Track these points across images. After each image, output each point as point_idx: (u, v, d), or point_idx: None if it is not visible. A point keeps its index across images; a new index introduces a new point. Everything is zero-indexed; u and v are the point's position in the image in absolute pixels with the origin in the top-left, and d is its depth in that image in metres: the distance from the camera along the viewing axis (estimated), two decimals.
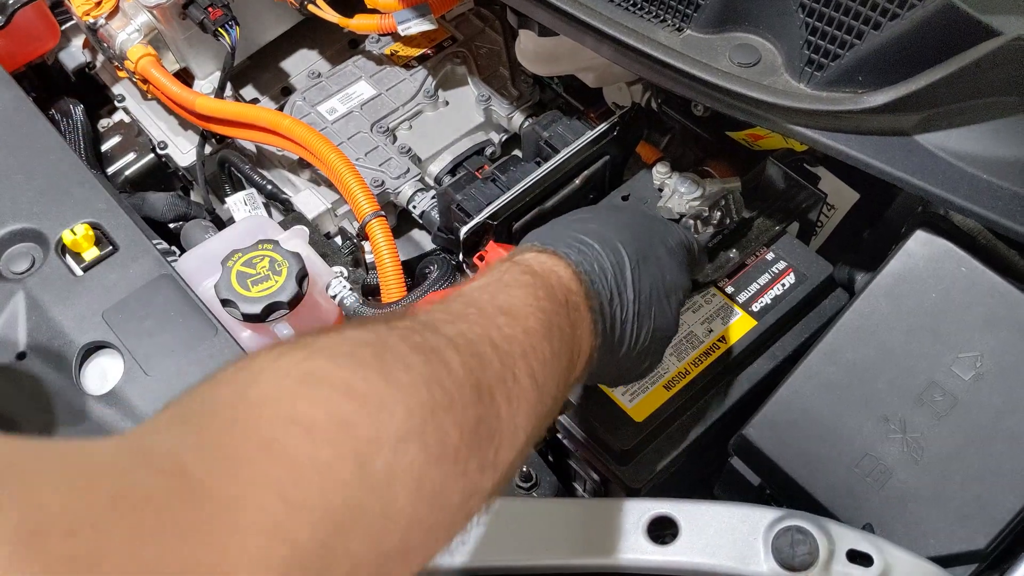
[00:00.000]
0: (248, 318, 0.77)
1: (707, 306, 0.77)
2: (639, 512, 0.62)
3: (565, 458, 0.79)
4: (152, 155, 1.13)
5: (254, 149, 1.06)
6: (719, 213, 0.79)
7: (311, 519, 0.35)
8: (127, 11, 1.05)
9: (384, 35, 1.07)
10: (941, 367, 0.64)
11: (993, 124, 0.62)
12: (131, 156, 1.14)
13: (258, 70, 1.14)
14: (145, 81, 1.04)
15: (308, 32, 1.15)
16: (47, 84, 1.15)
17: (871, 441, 0.64)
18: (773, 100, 0.63)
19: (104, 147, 1.15)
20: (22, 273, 0.80)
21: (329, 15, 1.00)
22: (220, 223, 1.05)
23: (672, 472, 0.72)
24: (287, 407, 0.38)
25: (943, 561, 0.60)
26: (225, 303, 0.77)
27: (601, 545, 0.62)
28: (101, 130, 1.16)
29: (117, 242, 0.81)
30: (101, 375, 0.76)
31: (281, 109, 1.04)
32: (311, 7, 1.00)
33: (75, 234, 0.79)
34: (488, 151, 1.02)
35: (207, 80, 1.09)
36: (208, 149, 1.07)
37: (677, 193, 0.80)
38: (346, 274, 0.89)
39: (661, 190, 0.83)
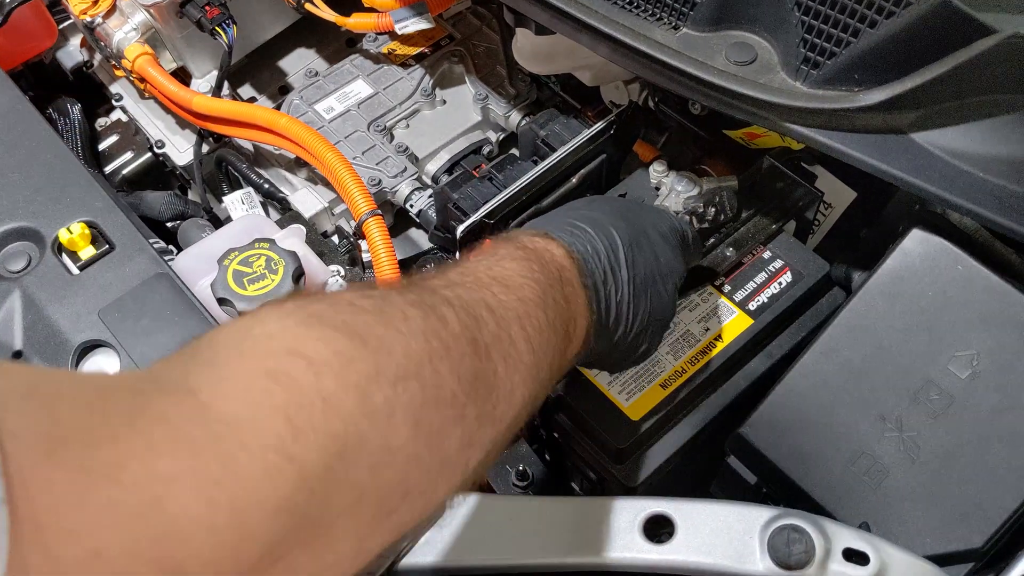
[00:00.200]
0: None
1: (703, 304, 0.77)
2: (635, 511, 0.62)
3: (562, 457, 0.79)
4: (149, 154, 1.13)
5: (251, 148, 1.05)
6: (715, 211, 0.79)
7: (316, 443, 0.36)
8: (124, 10, 1.05)
9: (381, 34, 1.07)
10: (937, 366, 0.64)
11: (989, 122, 0.62)
12: (128, 155, 1.14)
13: (255, 69, 1.14)
14: (142, 80, 1.04)
15: (305, 31, 1.15)
16: (44, 83, 1.15)
17: (867, 440, 0.64)
18: (769, 98, 0.63)
19: (101, 146, 1.15)
20: (18, 272, 0.80)
21: (326, 14, 0.99)
22: (217, 222, 1.05)
23: (668, 471, 0.72)
24: (291, 341, 0.39)
25: (940, 560, 0.60)
26: (221, 302, 0.77)
27: (597, 544, 0.62)
28: (98, 129, 1.16)
29: (113, 241, 0.81)
30: None
31: (278, 108, 1.04)
32: (308, 6, 1.00)
33: (71, 233, 0.79)
34: (485, 150, 1.02)
35: (204, 79, 1.09)
36: (205, 148, 1.06)
37: (674, 191, 0.80)
38: (343, 273, 0.89)
39: (658, 188, 0.83)
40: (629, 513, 0.62)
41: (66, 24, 1.15)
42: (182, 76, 1.08)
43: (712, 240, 0.79)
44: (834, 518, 0.62)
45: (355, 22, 0.99)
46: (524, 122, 1.00)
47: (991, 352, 0.63)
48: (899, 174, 0.61)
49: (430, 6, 0.97)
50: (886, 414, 0.64)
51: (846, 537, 0.58)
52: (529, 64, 0.96)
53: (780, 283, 0.77)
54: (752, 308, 0.76)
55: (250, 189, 1.00)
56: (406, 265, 0.92)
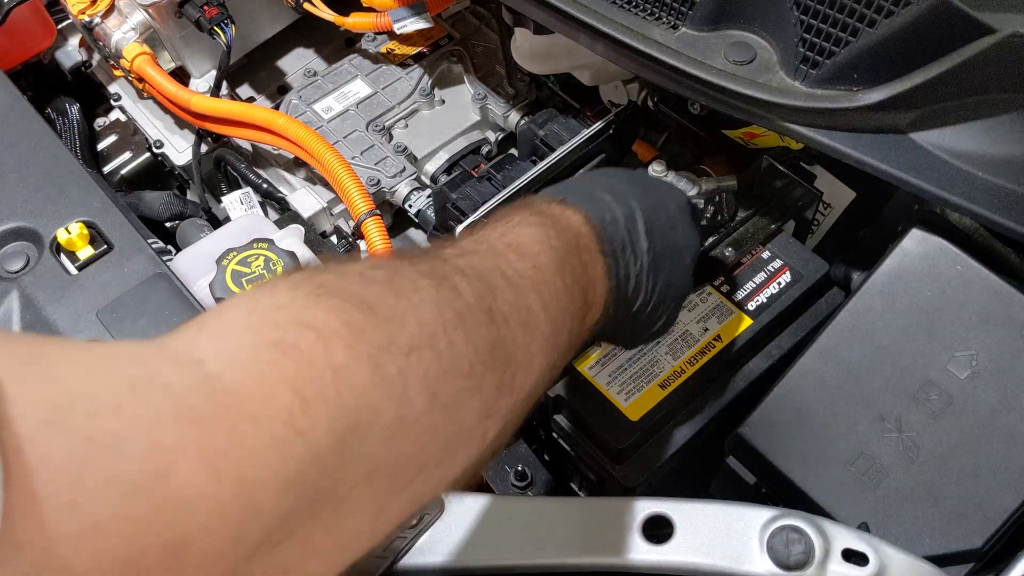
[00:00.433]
0: None
1: (703, 305, 0.77)
2: (634, 511, 0.62)
3: (561, 457, 0.79)
4: (148, 154, 1.13)
5: (250, 148, 1.05)
6: (714, 210, 0.79)
7: (327, 416, 0.35)
8: (123, 10, 1.05)
9: (380, 33, 1.07)
10: (937, 366, 0.64)
11: (989, 121, 0.62)
12: (127, 155, 1.14)
13: (254, 69, 1.14)
14: (141, 80, 1.04)
15: (304, 31, 1.15)
16: (43, 83, 1.15)
17: (867, 440, 0.64)
18: (768, 98, 0.63)
19: (100, 146, 1.15)
20: (16, 272, 0.80)
21: (325, 13, 0.99)
22: (216, 222, 1.05)
23: (668, 471, 0.72)
24: (299, 312, 0.38)
25: (939, 560, 0.59)
26: (220, 302, 0.77)
27: (596, 544, 0.61)
28: (97, 129, 1.16)
29: (112, 241, 0.81)
30: None
31: (277, 108, 1.04)
32: (307, 5, 1.00)
33: (70, 233, 0.79)
34: (484, 150, 1.02)
35: (203, 79, 1.09)
36: (204, 148, 1.06)
37: None
38: None
39: None
40: (628, 514, 0.62)
41: (65, 24, 1.15)
42: (181, 76, 1.08)
43: (711, 240, 0.79)
44: (833, 518, 0.62)
45: (354, 22, 0.99)
46: (523, 122, 1.00)
47: (990, 352, 0.63)
48: (898, 174, 0.61)
49: (429, 6, 0.97)
50: (885, 414, 0.64)
51: (845, 537, 0.58)
52: (528, 64, 0.95)
53: (779, 283, 0.77)
54: (751, 308, 0.76)
55: (249, 189, 1.00)
56: None
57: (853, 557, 0.57)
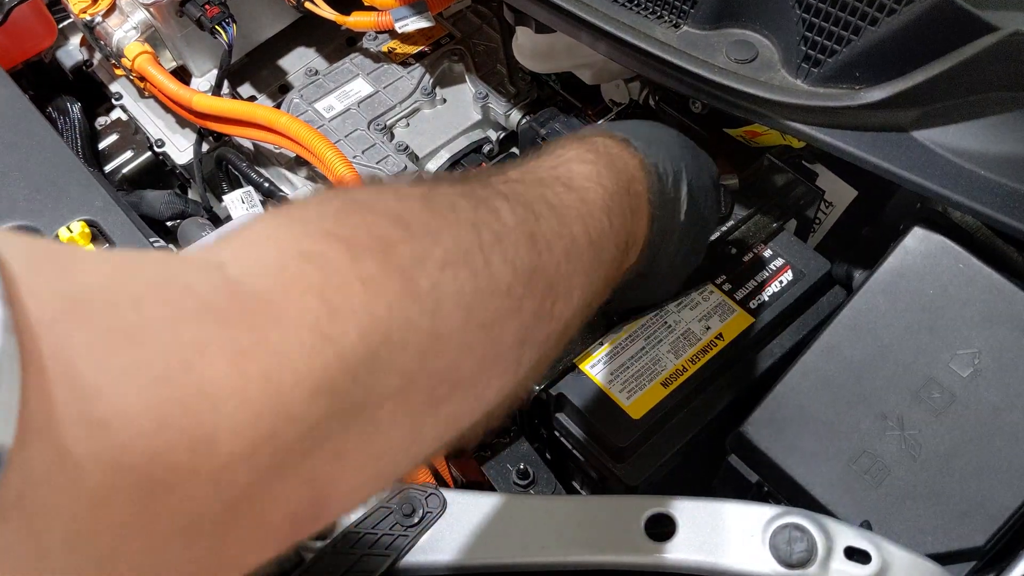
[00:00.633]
0: None
1: (704, 303, 0.77)
2: (636, 509, 0.62)
3: (563, 456, 0.79)
4: (149, 153, 1.13)
5: (251, 147, 1.05)
6: None
7: (356, 326, 0.34)
8: (124, 9, 1.05)
9: (381, 32, 1.07)
10: (939, 364, 0.64)
11: (991, 120, 0.62)
12: (128, 154, 1.14)
13: (255, 68, 1.14)
14: (142, 79, 1.04)
15: (305, 30, 1.15)
16: (44, 82, 1.15)
17: (869, 438, 0.64)
18: (770, 96, 0.63)
19: (101, 145, 1.15)
20: None
21: (326, 12, 0.99)
22: (217, 221, 1.05)
23: (670, 469, 0.72)
24: (329, 224, 0.37)
25: (941, 559, 0.59)
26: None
27: (599, 542, 0.61)
28: (98, 128, 1.16)
29: (113, 240, 0.81)
30: None
31: (278, 107, 1.04)
32: (308, 4, 1.00)
33: (71, 232, 0.79)
34: (485, 149, 1.02)
35: (204, 78, 1.09)
36: (205, 147, 1.06)
37: None
38: None
39: None
40: (630, 511, 0.62)
41: (66, 23, 1.15)
42: (182, 75, 1.08)
43: (713, 238, 0.79)
44: (835, 516, 0.62)
45: (355, 21, 0.99)
46: (524, 121, 0.99)
47: (992, 350, 0.63)
48: (900, 172, 0.61)
49: (430, 5, 0.97)
50: (887, 412, 0.64)
51: (847, 535, 0.58)
52: (529, 63, 0.95)
53: (781, 281, 0.77)
54: (753, 306, 0.76)
55: (250, 188, 1.00)
56: None
57: (855, 555, 0.57)
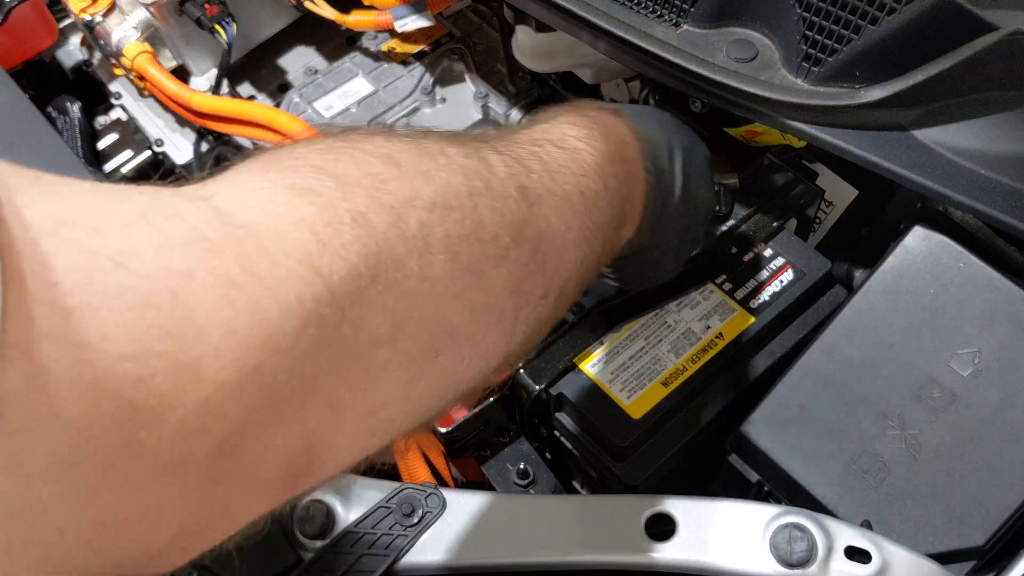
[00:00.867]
0: None
1: (705, 303, 0.77)
2: (636, 509, 0.62)
3: (563, 455, 0.79)
4: (149, 152, 1.13)
5: (251, 146, 1.05)
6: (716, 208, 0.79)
7: (346, 259, 0.33)
8: (124, 8, 1.05)
9: (381, 32, 1.07)
10: (939, 363, 0.64)
11: (991, 119, 0.61)
12: (128, 153, 1.14)
13: (255, 67, 1.14)
14: (142, 78, 1.04)
15: (305, 29, 1.15)
16: (44, 82, 1.15)
17: (869, 438, 0.64)
18: (770, 95, 0.63)
19: (101, 144, 1.15)
20: None
21: (326, 12, 0.99)
22: None
23: (670, 469, 0.72)
24: (320, 160, 0.37)
25: (941, 558, 0.59)
26: None
27: (599, 542, 0.61)
28: (98, 127, 1.16)
29: None
30: None
31: (278, 106, 1.04)
32: (308, 4, 1.00)
33: None
34: None
35: (204, 77, 1.09)
36: (205, 146, 1.06)
37: None
38: None
39: None
40: (630, 511, 0.62)
41: (66, 23, 1.15)
42: (181, 74, 1.08)
43: (713, 237, 0.79)
44: (836, 516, 0.62)
45: (355, 20, 0.99)
46: (524, 120, 0.99)
47: (993, 349, 0.63)
48: (901, 171, 0.61)
49: (430, 4, 0.97)
50: (888, 412, 0.64)
51: (848, 535, 0.58)
52: (529, 62, 0.95)
53: (781, 281, 0.77)
54: (753, 306, 0.76)
55: None
56: None
57: (856, 554, 0.57)
